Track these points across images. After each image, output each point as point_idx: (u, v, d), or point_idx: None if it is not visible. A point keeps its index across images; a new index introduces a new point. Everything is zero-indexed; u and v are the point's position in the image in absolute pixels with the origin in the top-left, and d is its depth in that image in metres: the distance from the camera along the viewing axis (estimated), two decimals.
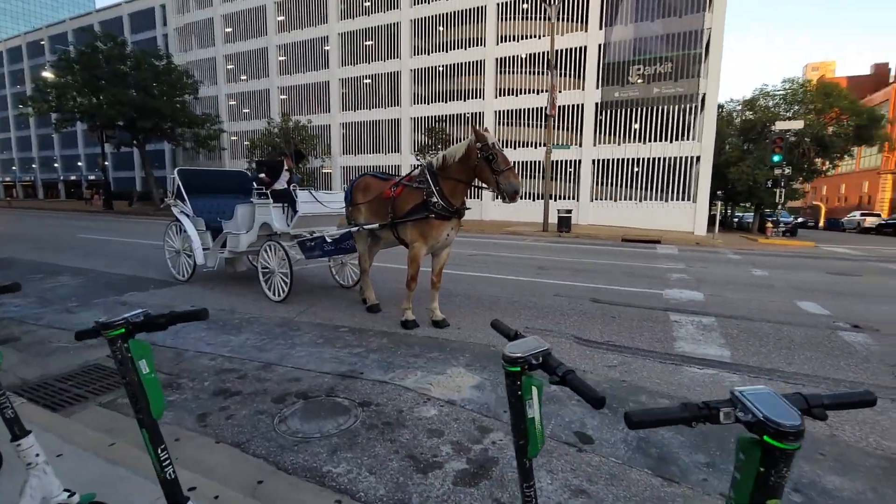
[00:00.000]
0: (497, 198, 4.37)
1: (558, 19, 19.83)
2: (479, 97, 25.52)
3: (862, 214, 36.88)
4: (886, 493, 2.41)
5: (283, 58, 32.08)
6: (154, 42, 39.40)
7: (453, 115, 26.12)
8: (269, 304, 5.86)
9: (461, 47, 25.85)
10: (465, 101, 25.99)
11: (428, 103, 27.19)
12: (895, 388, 3.60)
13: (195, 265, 6.84)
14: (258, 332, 4.74)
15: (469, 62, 25.68)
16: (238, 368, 3.80)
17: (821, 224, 44.32)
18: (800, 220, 35.28)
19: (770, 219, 21.80)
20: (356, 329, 4.88)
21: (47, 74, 27.27)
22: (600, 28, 22.13)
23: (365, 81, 29.77)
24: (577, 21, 22.85)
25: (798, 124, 17.79)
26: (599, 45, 22.18)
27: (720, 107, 23.99)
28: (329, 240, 5.24)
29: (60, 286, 6.71)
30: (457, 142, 21.35)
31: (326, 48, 30.12)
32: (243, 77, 34.07)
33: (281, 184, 6.49)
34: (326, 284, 7.10)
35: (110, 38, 27.15)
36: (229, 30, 34.08)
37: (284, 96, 32.27)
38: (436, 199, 4.50)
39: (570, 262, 9.99)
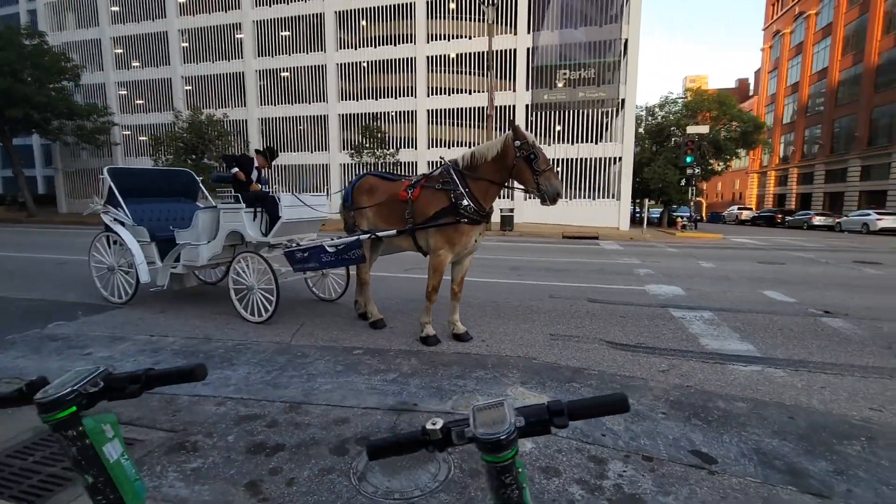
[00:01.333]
0: (530, 198, 4.08)
1: (489, 23, 20.00)
2: (412, 95, 25.04)
3: (739, 209, 42.55)
4: None
5: (187, 44, 28.79)
6: (17, 18, 33.26)
7: (385, 113, 25.35)
8: (249, 326, 5.00)
9: (390, 43, 25.16)
10: (396, 98, 25.35)
11: (357, 100, 26.09)
12: None
13: (137, 284, 5.66)
14: (257, 362, 3.96)
15: (399, 59, 25.09)
16: (260, 413, 3.09)
17: (704, 218, 50.43)
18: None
19: (678, 214, 24.23)
20: (373, 350, 4.29)
21: None
22: (528, 32, 22.85)
23: (283, 74, 27.78)
24: (506, 24, 23.35)
25: (704, 129, 19.93)
26: (528, 49, 22.90)
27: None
28: (330, 249, 4.56)
29: None
30: (395, 141, 20.80)
31: (239, 36, 27.58)
32: (136, 63, 29.99)
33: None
34: (301, 298, 6.29)
35: None
36: (116, 9, 29.78)
37: (190, 87, 28.99)
38: (467, 202, 4.08)
39: (538, 262, 10.02)
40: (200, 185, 6.88)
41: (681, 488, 2.34)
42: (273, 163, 5.88)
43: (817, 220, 30.40)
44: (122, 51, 30.09)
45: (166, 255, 5.72)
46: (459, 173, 4.19)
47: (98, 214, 5.92)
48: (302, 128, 27.23)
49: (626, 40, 21.27)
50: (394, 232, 4.36)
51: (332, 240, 4.84)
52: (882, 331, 5.00)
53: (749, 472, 2.49)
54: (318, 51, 26.49)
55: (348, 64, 26.10)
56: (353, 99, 26.33)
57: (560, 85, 22.38)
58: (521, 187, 4.11)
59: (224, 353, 4.17)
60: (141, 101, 30.29)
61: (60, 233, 17.09)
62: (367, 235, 4.47)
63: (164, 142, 22.63)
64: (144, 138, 26.93)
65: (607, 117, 23.01)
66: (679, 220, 22.43)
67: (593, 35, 21.74)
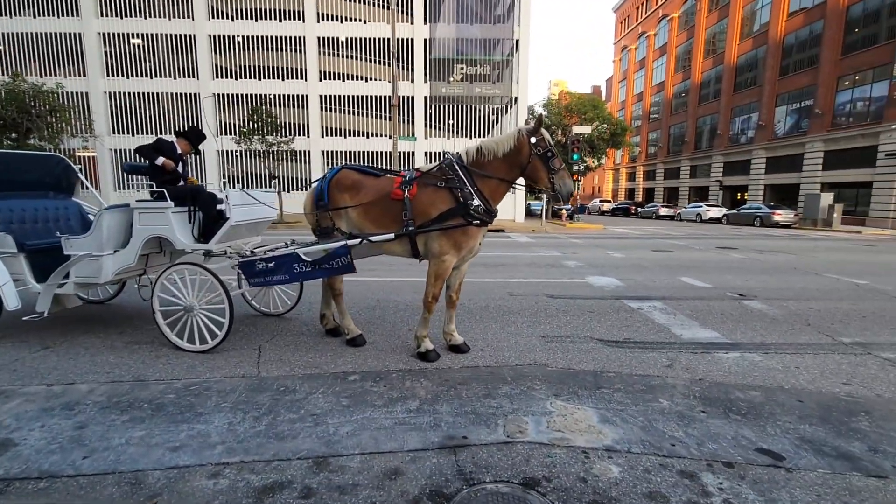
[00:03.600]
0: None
1: (386, 7, 19.34)
2: (301, 78, 23.04)
3: (600, 201, 48.34)
4: None
5: None
6: None
7: (271, 96, 22.92)
8: (188, 357, 3.95)
9: (274, 17, 22.74)
10: (283, 80, 23.09)
11: (237, 78, 23.13)
12: (837, 345, 4.65)
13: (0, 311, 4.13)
14: (232, 406, 3.11)
15: (286, 37, 22.83)
16: (281, 480, 2.38)
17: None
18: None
19: (560, 207, 26.44)
20: (370, 374, 3.70)
21: None
22: (425, 23, 22.60)
23: (134, 41, 23.38)
24: (404, 13, 22.75)
25: (587, 129, 22.02)
26: (425, 40, 22.66)
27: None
28: (306, 257, 3.76)
29: None
30: (288, 127, 19.09)
31: None
32: None
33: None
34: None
35: None
36: None
37: (1, 46, 22.74)
38: (477, 202, 3.70)
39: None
40: (80, 175, 5.29)
41: (779, 493, 2.36)
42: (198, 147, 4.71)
43: (663, 212, 35.94)
44: None
45: (39, 270, 4.25)
46: (466, 170, 3.78)
47: None
48: (166, 107, 23.28)
49: (518, 40, 22.36)
50: (390, 236, 3.77)
51: (304, 245, 4.04)
52: (790, 309, 5.90)
53: (815, 463, 2.61)
54: (182, 17, 22.78)
55: (223, 37, 22.98)
56: (232, 77, 23.30)
57: (457, 79, 22.66)
58: (522, 185, 3.87)
59: (178, 400, 3.20)
60: None
61: None
62: (358, 241, 3.80)
63: None
64: None
65: (500, 114, 23.98)
66: (563, 212, 24.48)
67: (487, 32, 22.39)
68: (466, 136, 24.10)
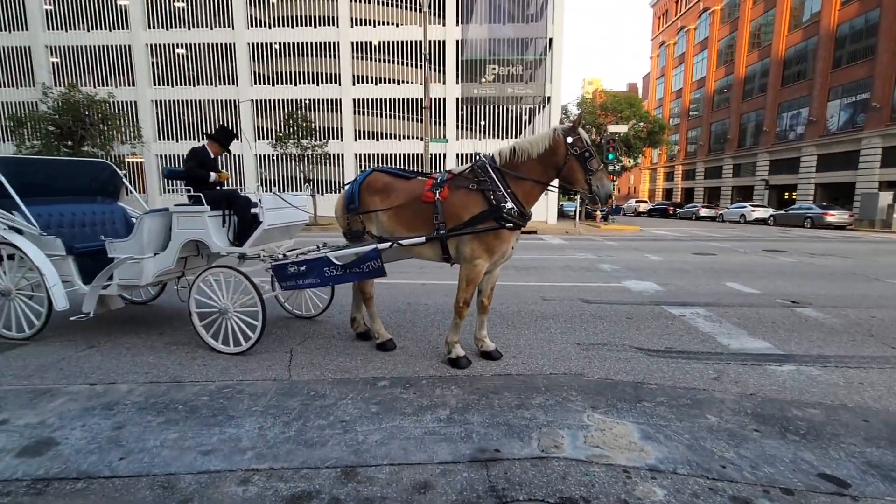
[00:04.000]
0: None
1: (418, 10, 19.42)
2: (335, 82, 23.48)
3: (637, 202, 46.92)
4: None
5: (50, 6, 24.02)
6: None
7: (306, 101, 23.46)
8: (223, 359, 4.01)
9: (309, 24, 23.28)
10: (318, 85, 23.60)
11: (273, 85, 23.82)
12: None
13: (49, 312, 4.31)
14: (263, 410, 3.11)
15: (321, 43, 23.34)
16: (309, 490, 2.33)
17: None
18: None
19: (598, 209, 25.82)
20: (400, 380, 3.63)
21: None
22: (457, 24, 22.58)
23: (179, 51, 24.44)
24: (436, 14, 22.81)
25: (624, 128, 21.40)
26: (457, 41, 22.64)
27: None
28: (337, 261, 3.75)
29: None
30: (319, 131, 19.40)
31: (123, 2, 23.64)
32: None
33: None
34: (271, 316, 5.31)
35: None
36: None
37: (57, 59, 24.28)
38: (511, 205, 3.58)
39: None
40: (125, 180, 5.51)
41: None
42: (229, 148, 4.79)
43: (703, 212, 34.51)
44: None
45: (86, 272, 4.42)
46: (498, 171, 3.67)
47: None
48: (206, 113, 24.23)
49: (551, 39, 21.98)
50: (421, 239, 3.70)
51: (336, 249, 4.03)
52: (850, 318, 5.46)
53: (883, 490, 2.36)
54: (222, 27, 23.66)
55: (261, 44, 23.72)
56: (269, 83, 24.01)
57: (489, 79, 22.50)
58: (555, 187, 3.71)
59: (211, 402, 3.23)
60: None
61: None
62: (389, 244, 3.76)
63: (27, 124, 18.59)
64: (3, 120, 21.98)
65: (532, 114, 23.66)
66: (598, 213, 23.89)
67: (520, 32, 22.14)
68: (498, 138, 23.89)
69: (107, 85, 23.36)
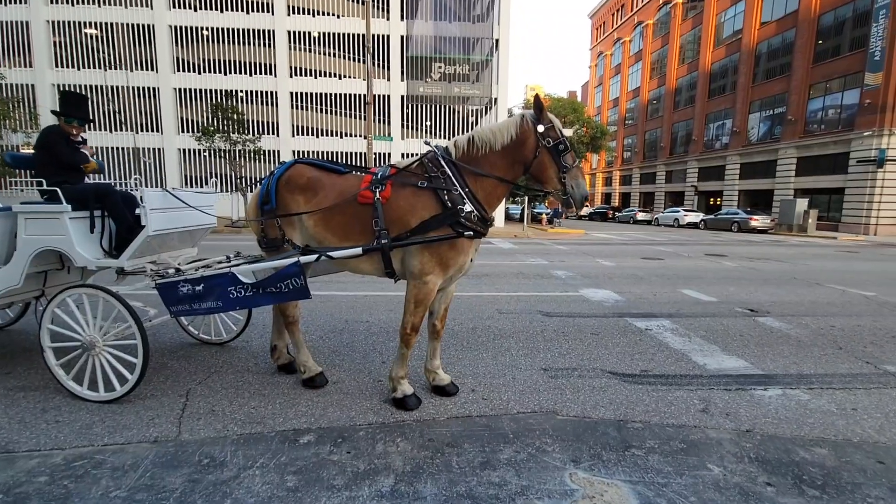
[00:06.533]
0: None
1: (360, 2, 18.43)
2: (270, 73, 21.81)
3: None
4: None
5: None
6: None
7: (238, 92, 21.59)
8: (87, 410, 2.98)
9: (241, 9, 21.47)
10: (251, 75, 21.80)
11: (200, 73, 21.71)
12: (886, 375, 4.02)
13: None
14: (127, 496, 2.18)
15: (253, 30, 21.58)
16: None
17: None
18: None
19: (539, 211, 26.10)
20: (330, 431, 2.81)
21: None
22: (402, 19, 21.75)
23: (89, 31, 21.68)
24: (380, 8, 21.82)
25: (569, 132, 21.54)
26: (402, 37, 21.80)
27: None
28: (246, 279, 2.85)
29: None
30: (253, 126, 17.76)
31: None
32: None
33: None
34: (166, 341, 4.26)
35: None
36: None
37: None
38: (470, 207, 2.87)
39: None
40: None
41: None
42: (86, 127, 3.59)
43: (640, 216, 35.99)
44: None
45: None
46: (454, 165, 2.95)
47: None
48: (121, 101, 21.66)
49: (497, 40, 21.75)
50: (357, 251, 2.89)
51: (242, 263, 3.12)
52: (811, 328, 5.29)
53: None
54: (141, 6, 21.27)
55: (186, 28, 21.55)
56: (195, 71, 21.88)
57: (436, 78, 21.88)
58: (540, 187, 3.06)
59: (49, 487, 2.24)
60: None
61: None
62: (315, 257, 2.91)
63: None
64: None
65: (479, 115, 23.33)
66: (543, 216, 24.02)
67: (467, 31, 21.71)
68: (444, 138, 23.35)
69: (2, 66, 20.20)
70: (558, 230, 20.99)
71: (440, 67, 22.03)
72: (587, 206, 48.51)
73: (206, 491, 2.22)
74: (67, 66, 21.23)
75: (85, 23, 21.39)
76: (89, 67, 21.26)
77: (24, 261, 3.20)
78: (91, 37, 21.72)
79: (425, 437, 2.77)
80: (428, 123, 23.75)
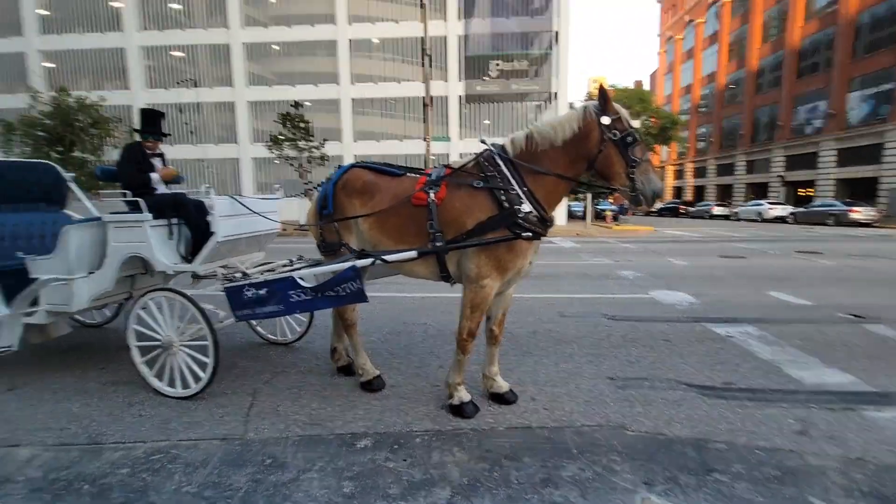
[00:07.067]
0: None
1: (419, 5, 18.66)
2: (334, 82, 22.75)
3: None
4: None
5: (47, 11, 23.51)
6: None
7: (304, 102, 22.73)
8: (167, 404, 3.18)
9: (307, 23, 22.57)
10: (316, 85, 22.86)
11: (271, 86, 23.12)
12: None
13: None
14: (196, 492, 2.27)
15: (318, 42, 22.62)
16: None
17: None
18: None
19: (604, 208, 25.01)
20: (386, 437, 2.78)
21: None
22: (459, 19, 21.77)
23: (175, 53, 23.80)
24: (437, 9, 22.01)
25: (636, 124, 20.43)
26: (459, 37, 21.83)
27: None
28: (306, 283, 2.92)
29: None
30: (317, 132, 18.49)
31: (115, 4, 23.07)
32: None
33: (159, 185, 3.69)
34: (238, 341, 4.48)
35: None
36: None
37: (52, 64, 23.76)
38: (528, 208, 2.72)
39: None
40: (71, 183, 4.69)
41: None
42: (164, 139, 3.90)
43: (717, 211, 33.38)
44: None
45: (14, 298, 3.61)
46: (511, 164, 2.81)
47: None
48: (204, 116, 23.58)
49: (557, 32, 21.10)
50: (412, 254, 2.85)
51: (303, 267, 3.19)
52: None
53: None
54: (219, 27, 23.01)
55: (258, 45, 23.03)
56: (266, 84, 23.32)
57: (493, 76, 21.65)
58: (605, 184, 2.84)
59: (130, 479, 2.39)
60: None
61: None
62: (370, 261, 2.91)
63: (18, 130, 18.00)
64: None
65: (538, 111, 22.79)
66: (608, 213, 22.99)
67: (525, 26, 21.28)
68: (503, 137, 23.06)
69: (101, 89, 22.75)
70: (624, 227, 19.95)
71: (498, 65, 21.76)
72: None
73: (268, 492, 2.26)
74: (158, 87, 23.49)
75: (171, 46, 23.53)
76: (176, 87, 23.36)
77: (114, 266, 3.48)
78: (177, 59, 23.85)
79: (483, 447, 2.66)
80: (486, 122, 23.58)
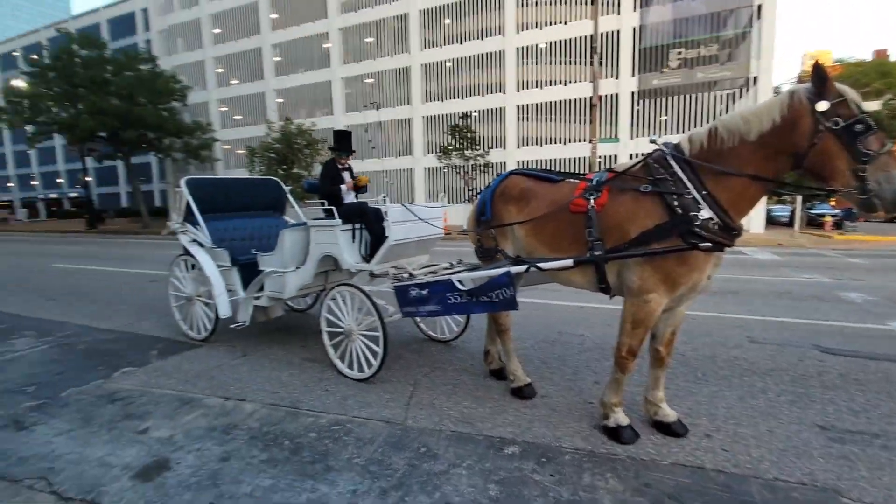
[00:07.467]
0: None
1: (591, 2, 17.88)
2: (499, 91, 23.47)
3: None
4: None
5: (279, 58, 29.78)
6: (136, 48, 36.91)
7: (471, 112, 24.02)
8: (347, 385, 3.69)
9: (477, 38, 23.80)
10: (483, 96, 23.92)
11: (442, 100, 25.06)
12: None
13: (217, 318, 4.64)
14: (364, 466, 2.58)
15: (486, 54, 23.65)
16: None
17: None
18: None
19: (821, 213, 20.26)
20: (533, 447, 2.73)
21: (18, 83, 24.69)
22: (634, 10, 20.24)
23: (367, 80, 27.58)
24: (607, 4, 20.90)
25: (875, 105, 16.04)
26: (634, 29, 20.28)
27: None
28: (462, 286, 3.10)
29: (13, 360, 4.47)
30: (483, 141, 19.11)
31: (326, 45, 27.90)
32: (234, 80, 31.69)
33: (348, 195, 4.33)
34: (403, 335, 4.94)
35: (87, 40, 24.62)
36: (218, 30, 31.71)
37: (282, 99, 29.95)
38: (707, 214, 2.37)
39: None
40: (288, 195, 5.84)
41: None
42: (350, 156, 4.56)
43: None
44: (222, 69, 31.99)
45: (248, 284, 4.64)
46: (688, 165, 2.49)
47: (177, 234, 5.04)
48: (386, 133, 26.81)
49: (760, 6, 17.88)
50: (568, 263, 2.75)
51: (462, 270, 3.36)
52: None
53: None
54: (402, 52, 25.90)
55: (433, 64, 25.19)
56: (438, 100, 25.34)
57: (673, 66, 19.45)
58: (812, 185, 2.31)
59: (317, 442, 2.84)
60: (239, 116, 31.95)
61: (164, 244, 17.75)
62: (524, 267, 2.91)
63: (258, 153, 23.22)
64: (242, 151, 28.16)
65: (730, 101, 19.63)
66: (827, 219, 18.50)
67: (716, 4, 18.56)
68: (679, 133, 20.55)
69: (313, 116, 27.75)
70: (851, 237, 15.74)
71: (680, 53, 19.45)
72: None
73: (421, 479, 2.44)
74: (352, 111, 27.57)
75: (365, 74, 27.36)
76: (364, 109, 27.13)
77: (313, 263, 4.20)
78: (369, 85, 27.63)
79: (641, 479, 2.40)
80: (664, 118, 21.33)
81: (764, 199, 18.96)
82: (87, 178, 30.79)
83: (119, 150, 26.01)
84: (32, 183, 52.66)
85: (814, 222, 21.06)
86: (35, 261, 12.50)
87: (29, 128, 25.56)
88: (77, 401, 3.51)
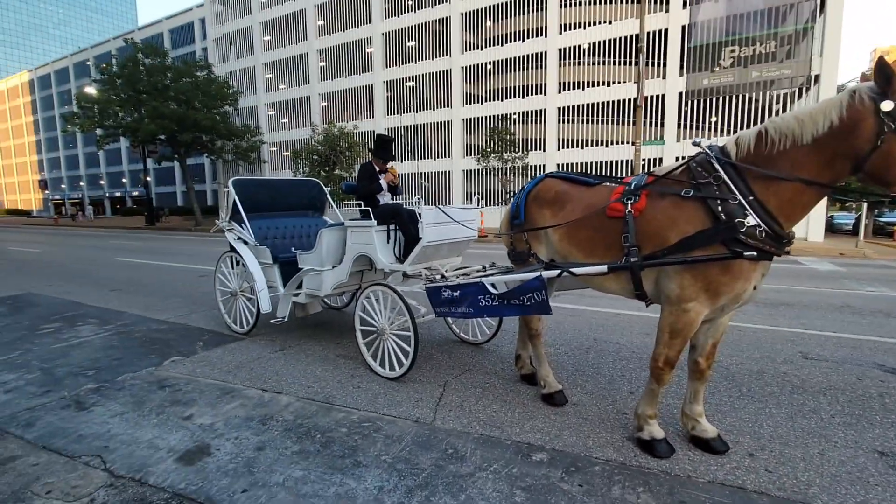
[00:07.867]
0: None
1: (637, 1, 17.38)
2: (540, 93, 23.20)
3: None
4: None
5: (324, 63, 30.75)
6: (194, 56, 39.13)
7: (511, 115, 23.89)
8: (378, 384, 3.75)
9: (518, 39, 23.65)
10: (523, 98, 23.72)
11: (482, 103, 25.06)
12: None
13: (258, 312, 4.84)
14: (391, 462, 2.61)
15: (528, 56, 23.45)
16: None
17: None
18: None
19: (891, 221, 18.70)
20: (562, 456, 2.67)
21: (90, 90, 26.75)
22: (684, 7, 19.49)
23: (408, 84, 27.97)
24: (655, 2, 20.24)
25: None
26: (683, 27, 19.52)
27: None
28: (493, 290, 3.09)
29: (78, 345, 4.83)
30: (522, 143, 18.97)
31: (369, 50, 28.55)
32: (282, 85, 33.01)
33: (384, 196, 4.41)
34: (435, 335, 4.96)
35: (151, 50, 26.39)
36: (268, 38, 33.16)
37: (326, 103, 30.92)
38: (754, 220, 2.25)
39: None
40: (328, 196, 6.01)
41: None
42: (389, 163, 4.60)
43: None
44: (271, 75, 33.39)
45: (288, 281, 4.81)
46: (734, 169, 2.37)
47: (224, 232, 5.30)
48: (425, 135, 27.09)
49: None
50: (602, 268, 2.68)
51: (494, 273, 3.35)
52: None
53: None
54: (443, 55, 26.11)
55: (473, 66, 25.25)
56: (478, 102, 25.36)
57: (726, 65, 18.55)
58: (877, 191, 2.14)
59: (347, 437, 2.91)
60: (286, 120, 33.23)
61: (213, 241, 18.66)
62: (557, 272, 2.86)
63: (302, 155, 24.05)
64: (287, 153, 29.28)
65: (787, 101, 18.50)
66: None
67: None
68: (728, 136, 19.57)
69: (356, 119, 28.44)
70: None
71: (733, 51, 18.52)
72: None
73: (447, 480, 2.45)
74: (393, 114, 28.08)
75: (406, 77, 27.77)
76: (408, 112, 27.53)
77: (349, 262, 4.31)
78: (409, 88, 28.03)
79: (675, 496, 2.31)
80: (714, 120, 20.40)
81: (823, 206, 17.69)
82: (147, 178, 32.88)
83: (176, 151, 27.65)
84: (100, 182, 56.86)
85: (882, 231, 19.50)
86: (100, 254, 13.47)
87: (98, 131, 27.63)
88: (131, 385, 3.75)
